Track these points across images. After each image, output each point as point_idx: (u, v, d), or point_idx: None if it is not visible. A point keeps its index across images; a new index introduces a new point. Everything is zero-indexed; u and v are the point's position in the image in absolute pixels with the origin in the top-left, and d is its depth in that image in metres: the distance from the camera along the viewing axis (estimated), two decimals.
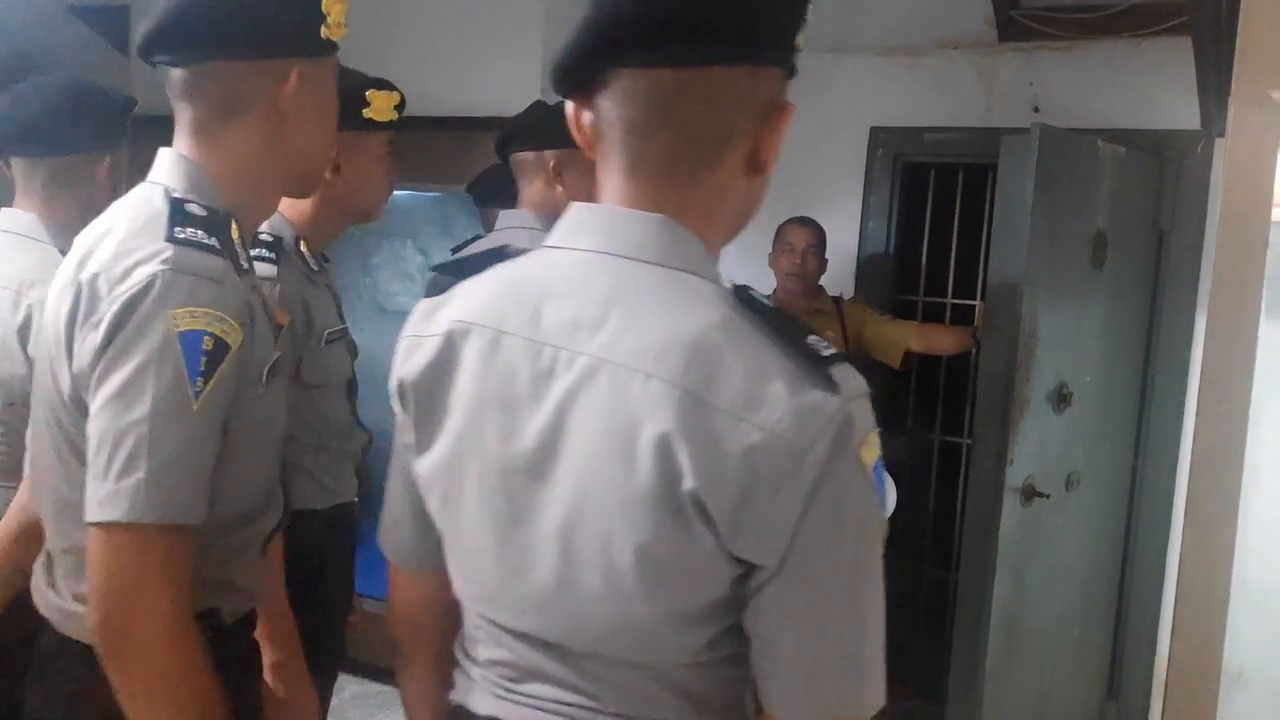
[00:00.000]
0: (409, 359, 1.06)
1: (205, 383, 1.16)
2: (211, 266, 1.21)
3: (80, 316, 1.20)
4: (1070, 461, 3.29)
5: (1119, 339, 3.44)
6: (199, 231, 1.22)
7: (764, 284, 3.77)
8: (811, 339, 0.93)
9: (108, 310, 1.16)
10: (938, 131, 3.85)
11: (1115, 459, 3.49)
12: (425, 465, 1.06)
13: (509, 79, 3.47)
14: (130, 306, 1.16)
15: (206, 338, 1.16)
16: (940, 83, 3.84)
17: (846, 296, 3.83)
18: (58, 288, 1.27)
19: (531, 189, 2.46)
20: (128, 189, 1.37)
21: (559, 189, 2.45)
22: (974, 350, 3.49)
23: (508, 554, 0.99)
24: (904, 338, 3.53)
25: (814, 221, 3.63)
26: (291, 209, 2.04)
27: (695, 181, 0.98)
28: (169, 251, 1.19)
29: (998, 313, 3.10)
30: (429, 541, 1.10)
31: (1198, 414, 1.79)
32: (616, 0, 0.94)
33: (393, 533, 1.16)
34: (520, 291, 1.00)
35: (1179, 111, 3.48)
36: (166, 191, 1.27)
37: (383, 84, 2.15)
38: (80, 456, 1.20)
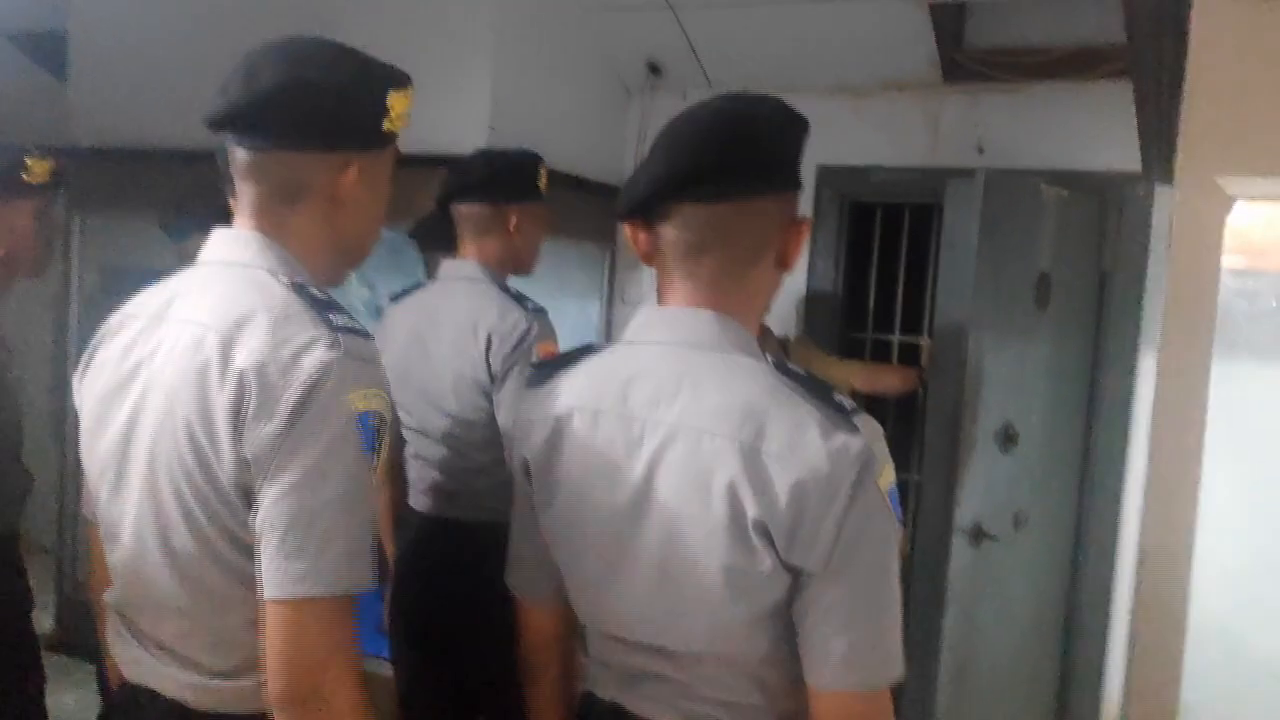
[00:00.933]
0: (528, 439, 1.35)
1: (378, 454, 1.26)
2: (367, 349, 1.27)
3: (250, 406, 1.21)
4: (1017, 501, 3.30)
5: (1063, 378, 3.46)
6: (345, 316, 1.28)
7: None
8: (837, 396, 1.22)
9: (285, 397, 1.20)
10: (884, 171, 3.87)
11: (1061, 498, 3.51)
12: (548, 520, 1.35)
13: (457, 118, 3.43)
14: (311, 393, 1.21)
15: (375, 416, 1.25)
16: (886, 123, 3.87)
17: (795, 335, 3.83)
18: (182, 376, 1.27)
19: (485, 241, 2.44)
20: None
21: (515, 241, 2.44)
22: (920, 390, 3.50)
23: (619, 581, 1.28)
24: (849, 377, 3.53)
25: None
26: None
27: (741, 283, 1.28)
28: (332, 337, 1.24)
29: (944, 354, 3.11)
30: (550, 581, 1.41)
31: (1151, 454, 1.79)
32: (693, 152, 1.25)
33: (519, 574, 1.46)
34: (610, 378, 1.29)
35: (1121, 154, 3.52)
36: (275, 275, 1.31)
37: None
38: (237, 543, 1.26)
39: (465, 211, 2.45)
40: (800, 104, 4.03)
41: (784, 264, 1.31)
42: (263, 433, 1.21)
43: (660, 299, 1.32)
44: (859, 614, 1.18)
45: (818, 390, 1.22)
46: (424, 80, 3.45)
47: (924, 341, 3.93)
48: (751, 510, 1.16)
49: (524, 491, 1.41)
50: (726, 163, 1.25)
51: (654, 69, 4.05)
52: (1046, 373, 3.39)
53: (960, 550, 3.08)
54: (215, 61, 3.81)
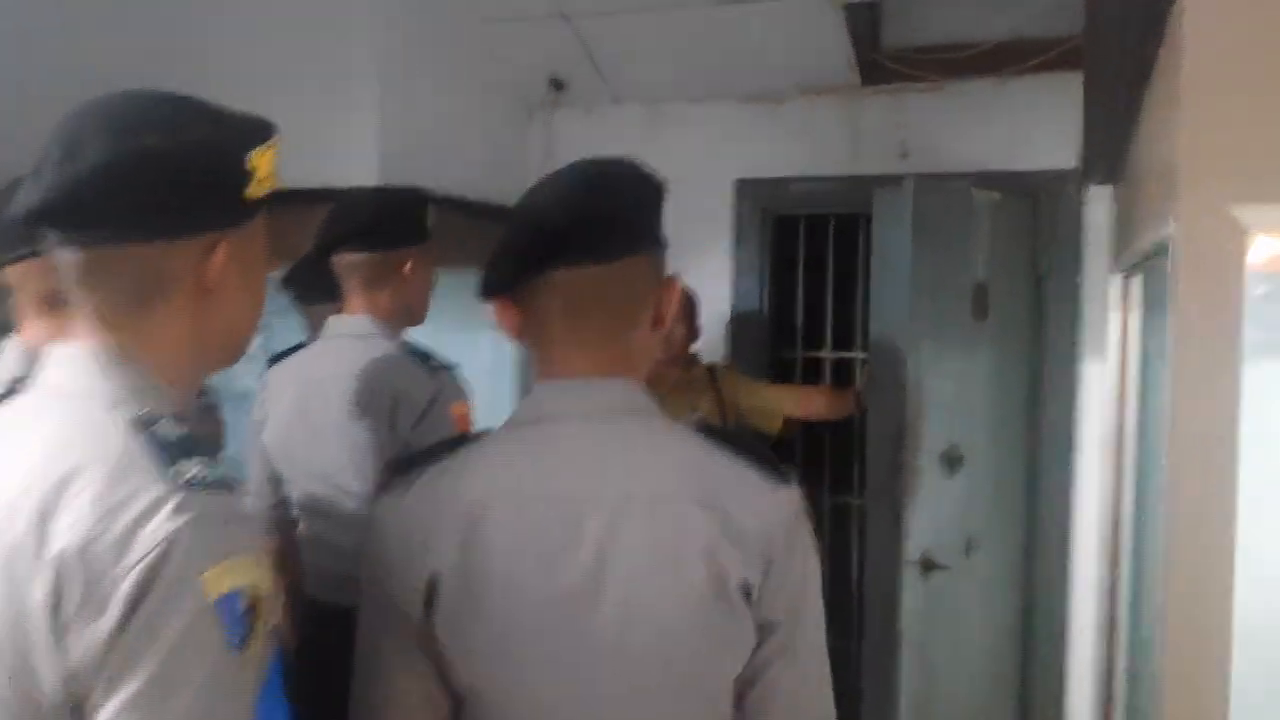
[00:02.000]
0: (431, 549, 1.16)
1: (248, 645, 0.98)
2: (226, 506, 0.99)
3: (71, 603, 0.93)
4: (967, 526, 3.11)
5: (1004, 390, 3.28)
6: (202, 461, 0.99)
7: None
8: (761, 448, 1.23)
9: (115, 589, 0.92)
10: (805, 181, 3.67)
11: (1010, 517, 3.32)
12: (468, 636, 1.15)
13: (343, 147, 3.14)
14: (148, 580, 0.92)
15: (243, 595, 0.96)
16: (804, 130, 3.67)
17: (723, 360, 3.61)
18: None
19: (375, 292, 2.17)
20: None
21: (408, 290, 2.18)
22: (858, 413, 3.29)
23: (570, 681, 1.15)
24: (781, 403, 3.31)
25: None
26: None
27: (626, 347, 1.24)
28: (180, 498, 0.95)
29: (882, 375, 2.91)
30: (437, 714, 1.20)
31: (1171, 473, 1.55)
32: (561, 216, 1.18)
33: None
34: (523, 461, 1.18)
35: (1050, 151, 3.36)
36: (115, 408, 1.01)
37: None
38: None
39: (351, 261, 2.17)
40: (713, 114, 3.84)
41: (659, 324, 1.27)
42: (91, 635, 0.92)
43: (545, 372, 1.24)
44: (813, 659, 1.21)
45: (741, 443, 1.23)
46: (304, 108, 3.19)
47: (860, 360, 3.74)
48: (735, 571, 1.14)
49: (413, 618, 1.16)
50: (596, 225, 1.20)
51: (555, 84, 3.79)
52: (987, 386, 3.20)
53: (912, 584, 2.87)
54: (58, 90, 3.38)
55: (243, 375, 4.38)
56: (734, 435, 1.25)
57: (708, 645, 1.15)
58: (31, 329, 1.73)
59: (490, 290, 1.22)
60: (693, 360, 3.43)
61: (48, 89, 3.44)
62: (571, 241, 1.17)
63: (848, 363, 3.84)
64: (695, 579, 1.13)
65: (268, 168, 1.11)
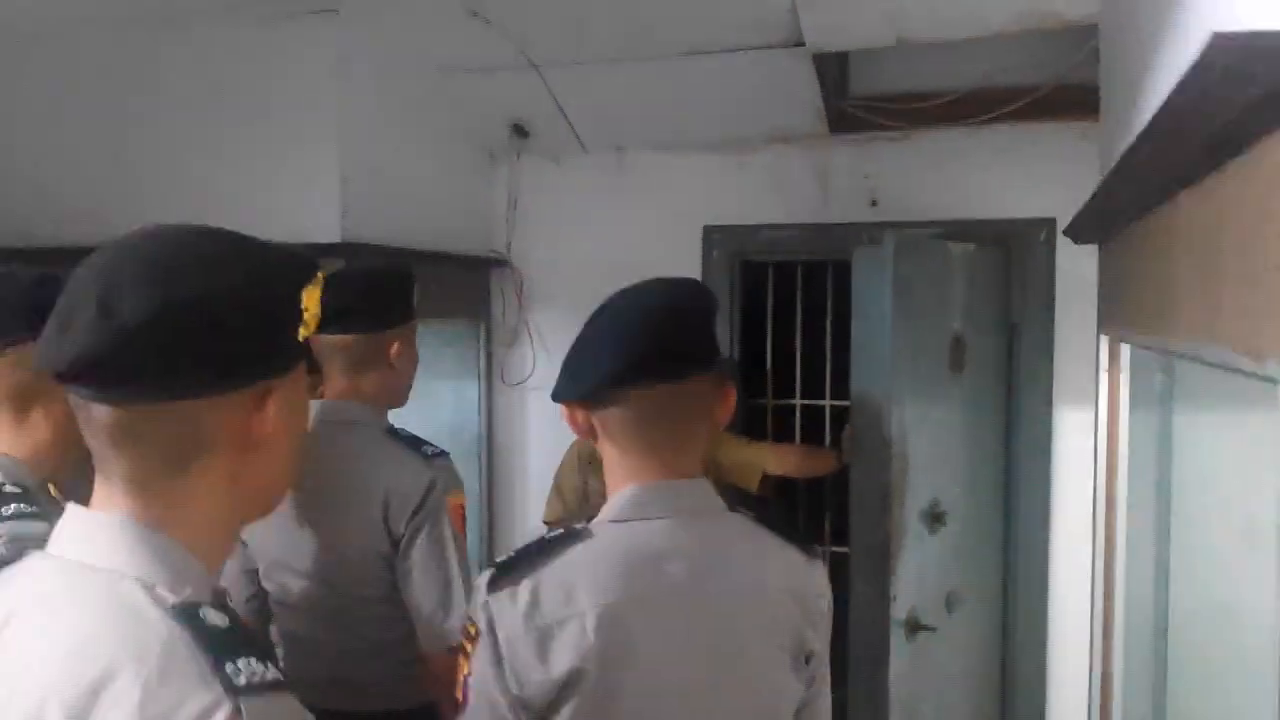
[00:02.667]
0: (568, 645, 1.26)
1: None
2: (286, 712, 0.89)
3: None
4: (948, 582, 3.08)
5: (980, 441, 3.27)
6: (253, 661, 0.87)
7: None
8: (792, 527, 1.44)
9: None
10: (774, 229, 3.63)
11: (988, 570, 3.31)
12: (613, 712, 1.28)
13: (305, 203, 3.04)
14: None
15: None
16: (773, 178, 3.63)
17: None
18: None
19: (362, 376, 2.08)
20: None
21: (394, 371, 2.09)
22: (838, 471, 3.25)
23: None
24: (759, 460, 3.25)
25: None
26: (21, 447, 1.61)
27: (694, 448, 1.40)
28: (233, 704, 0.84)
29: (866, 435, 2.87)
30: None
31: None
32: (645, 344, 1.32)
33: None
34: (640, 559, 1.31)
35: (1021, 199, 3.37)
36: (151, 591, 0.89)
37: None
38: None
39: (336, 343, 2.06)
40: (681, 162, 3.78)
41: (718, 426, 1.43)
42: None
43: (629, 475, 1.36)
44: (828, 679, 1.45)
45: (779, 525, 1.42)
46: (264, 162, 3.09)
47: (829, 406, 3.71)
48: (811, 645, 1.39)
49: (536, 710, 1.29)
50: (672, 353, 1.33)
51: (519, 130, 3.71)
52: (964, 438, 3.19)
53: (899, 647, 2.84)
54: (17, 145, 3.18)
55: None
56: (771, 519, 1.43)
57: (787, 706, 1.39)
58: (2, 432, 1.61)
59: (568, 398, 1.36)
60: None
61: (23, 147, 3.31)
62: (650, 367, 1.31)
63: (818, 410, 3.80)
64: (786, 659, 1.37)
65: (315, 305, 1.02)
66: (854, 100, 3.51)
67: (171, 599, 0.89)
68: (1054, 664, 3.33)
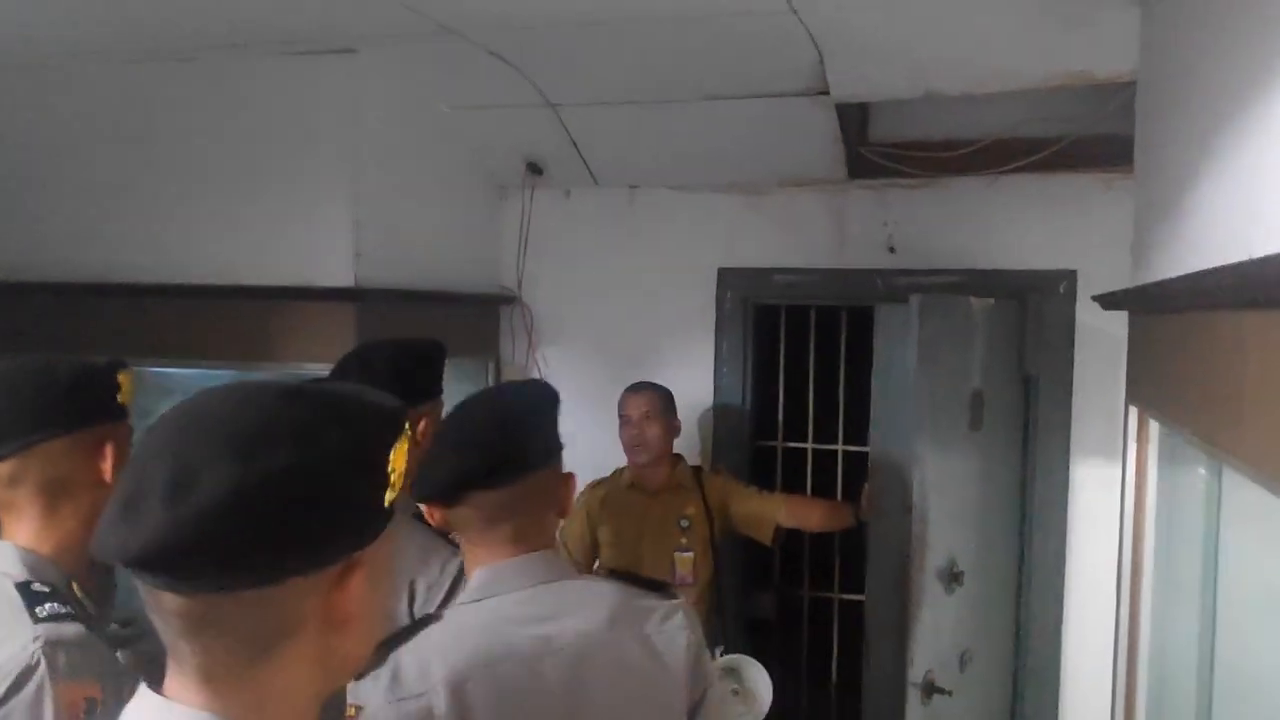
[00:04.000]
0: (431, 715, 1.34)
1: None
2: None
3: None
4: (962, 641, 3.04)
5: (998, 499, 3.23)
6: None
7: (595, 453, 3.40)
8: (646, 581, 1.59)
9: None
10: (788, 273, 3.58)
11: (1001, 628, 3.26)
12: None
13: (318, 245, 2.98)
14: None
15: None
16: (789, 221, 3.59)
17: (710, 467, 3.49)
18: None
19: None
20: None
21: (420, 448, 2.03)
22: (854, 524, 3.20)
23: None
24: (773, 513, 3.22)
25: (651, 385, 3.31)
26: (46, 543, 1.55)
27: (541, 530, 1.51)
28: None
29: (884, 497, 2.82)
30: None
31: None
32: (476, 457, 1.43)
33: None
34: (487, 632, 1.41)
35: (1039, 251, 3.33)
36: None
37: (124, 364, 1.69)
38: None
39: None
40: (696, 202, 3.74)
41: (563, 514, 1.56)
42: None
43: (477, 560, 1.48)
44: None
45: (638, 580, 1.58)
46: (276, 206, 3.03)
47: (840, 451, 3.66)
48: (667, 682, 1.51)
49: None
50: (504, 461, 1.44)
51: (533, 168, 3.66)
52: (981, 496, 3.14)
53: (914, 709, 2.79)
54: (23, 178, 3.09)
55: None
56: (630, 576, 1.60)
57: None
58: (28, 527, 1.55)
59: (422, 498, 1.46)
60: (677, 460, 3.32)
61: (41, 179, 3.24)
62: (481, 475, 1.42)
63: (828, 455, 3.76)
64: (643, 696, 1.49)
65: (402, 463, 0.92)
66: (874, 146, 3.47)
67: None
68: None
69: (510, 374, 3.84)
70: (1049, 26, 2.59)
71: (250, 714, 0.85)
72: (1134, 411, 2.50)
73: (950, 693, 2.86)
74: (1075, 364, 3.31)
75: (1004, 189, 3.35)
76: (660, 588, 1.56)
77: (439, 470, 1.43)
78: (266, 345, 3.06)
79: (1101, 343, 3.22)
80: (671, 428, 3.30)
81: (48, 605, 1.44)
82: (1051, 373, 3.30)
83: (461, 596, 1.47)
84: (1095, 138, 3.17)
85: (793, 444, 3.84)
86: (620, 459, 3.34)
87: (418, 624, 1.42)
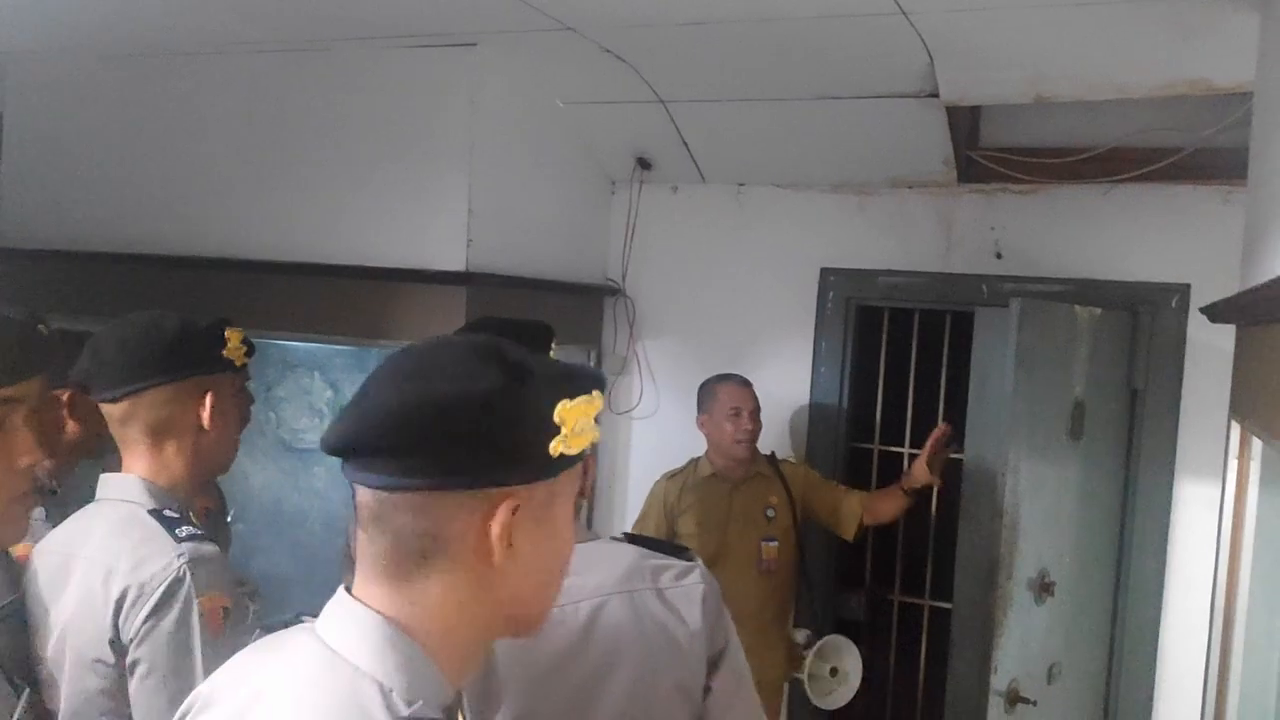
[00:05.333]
0: None
1: None
2: None
3: None
4: (1051, 653, 3.00)
5: (1095, 511, 3.17)
6: None
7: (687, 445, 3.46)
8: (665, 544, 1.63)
9: None
10: (893, 275, 3.58)
11: (1093, 644, 3.21)
12: None
13: (432, 230, 3.11)
14: None
15: None
16: (895, 223, 3.59)
17: (793, 458, 3.53)
18: None
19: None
20: None
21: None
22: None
23: None
24: (857, 511, 3.29)
25: (748, 380, 3.36)
26: (160, 476, 1.72)
27: None
28: None
29: (976, 503, 2.82)
30: None
31: None
32: None
33: None
34: None
35: (1151, 263, 3.26)
36: (388, 698, 0.94)
37: (229, 322, 1.86)
38: None
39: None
40: (801, 201, 3.77)
41: (582, 493, 1.48)
42: None
43: None
44: None
45: (654, 542, 1.62)
46: (395, 190, 3.17)
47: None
48: (685, 634, 1.52)
49: None
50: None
51: (643, 163, 3.74)
52: (1078, 508, 3.10)
53: (996, 718, 2.77)
54: (162, 158, 3.33)
55: (308, 431, 4.34)
56: (644, 539, 1.64)
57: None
58: (142, 462, 1.72)
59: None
60: (755, 451, 3.36)
61: (140, 159, 3.48)
62: None
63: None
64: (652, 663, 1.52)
65: (577, 421, 1.00)
66: (984, 150, 3.45)
67: (404, 709, 0.92)
68: None
69: (610, 364, 3.93)
70: (1166, 33, 2.55)
71: (412, 618, 0.97)
72: (1236, 427, 2.44)
73: (1035, 703, 2.84)
74: (1185, 379, 3.24)
75: (1118, 198, 3.29)
76: (679, 551, 1.58)
77: None
78: (381, 323, 3.20)
79: (1213, 359, 3.14)
80: (759, 425, 3.34)
81: (185, 528, 1.62)
82: (1159, 387, 3.23)
83: None
84: (1214, 149, 3.09)
85: (889, 447, 3.83)
86: (697, 450, 3.40)
87: None
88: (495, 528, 0.96)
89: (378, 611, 0.97)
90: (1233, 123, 2.93)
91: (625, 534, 1.62)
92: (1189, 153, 3.13)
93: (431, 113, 3.12)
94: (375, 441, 0.95)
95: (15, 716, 1.11)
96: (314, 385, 4.22)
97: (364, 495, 0.97)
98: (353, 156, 3.20)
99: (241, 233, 3.34)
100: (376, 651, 0.95)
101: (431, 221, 3.11)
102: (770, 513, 3.31)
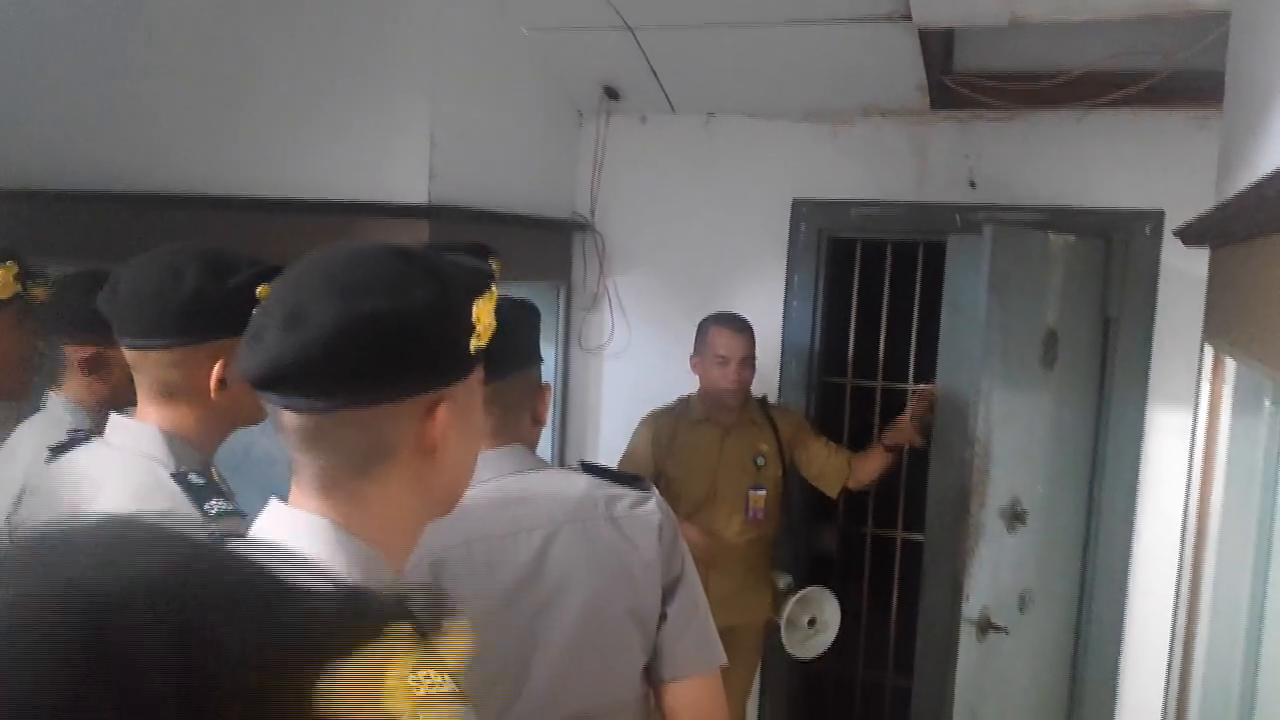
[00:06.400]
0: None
1: None
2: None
3: None
4: (1022, 581, 3.00)
5: (1067, 440, 3.16)
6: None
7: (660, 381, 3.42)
8: (621, 474, 1.63)
9: None
10: (866, 206, 3.52)
11: (1065, 572, 3.22)
12: None
13: (394, 162, 3.02)
14: None
15: None
16: (868, 152, 3.52)
17: (785, 407, 3.49)
18: None
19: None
20: None
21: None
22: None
23: (536, 664, 1.47)
24: (842, 473, 3.29)
25: (746, 324, 3.23)
26: (181, 428, 1.58)
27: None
28: None
29: (948, 432, 2.79)
30: None
31: None
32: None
33: None
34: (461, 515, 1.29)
35: (1125, 190, 3.23)
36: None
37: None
38: None
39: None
40: (772, 131, 3.69)
41: (537, 421, 1.66)
42: None
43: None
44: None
45: (608, 472, 1.62)
46: (354, 121, 3.07)
47: (910, 390, 3.61)
48: (635, 562, 1.54)
49: None
50: (506, 352, 1.40)
51: (610, 93, 3.65)
52: (1051, 437, 3.08)
53: (968, 646, 2.77)
54: (105, 87, 3.21)
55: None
56: (599, 468, 1.67)
57: (643, 629, 1.58)
58: (159, 410, 1.59)
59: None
60: (748, 397, 3.31)
61: (83, 81, 3.34)
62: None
63: (899, 393, 3.72)
64: (616, 577, 1.54)
65: (488, 316, 1.06)
66: (958, 76, 3.38)
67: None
68: (1127, 675, 3.24)
69: (581, 300, 3.87)
70: None
71: (356, 521, 1.00)
72: (1209, 351, 2.42)
73: (1007, 631, 2.84)
74: (1158, 307, 3.22)
75: (1093, 124, 3.25)
76: (634, 481, 1.60)
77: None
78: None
79: (1186, 286, 3.11)
80: (754, 369, 3.28)
81: (215, 502, 1.51)
82: (1133, 315, 3.21)
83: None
84: (1190, 73, 3.04)
85: (862, 381, 3.80)
86: (684, 388, 3.35)
87: None
88: (436, 428, 1.01)
89: (325, 518, 1.00)
90: (1209, 44, 2.87)
91: (582, 462, 1.64)
92: (1164, 76, 3.07)
93: (392, 40, 3.02)
94: (319, 366, 0.95)
95: None
96: None
97: (295, 419, 0.98)
98: (308, 85, 3.10)
99: (191, 166, 3.23)
100: (328, 549, 0.98)
101: (391, 152, 3.02)
102: (760, 460, 3.26)
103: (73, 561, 0.48)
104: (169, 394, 1.58)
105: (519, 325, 1.58)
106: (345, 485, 1.00)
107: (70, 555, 0.49)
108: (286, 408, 0.98)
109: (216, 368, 1.57)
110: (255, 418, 1.64)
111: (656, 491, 1.59)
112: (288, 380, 0.96)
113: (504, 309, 1.40)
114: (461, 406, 1.06)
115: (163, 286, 1.55)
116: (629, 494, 1.56)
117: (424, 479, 1.04)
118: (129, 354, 1.58)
